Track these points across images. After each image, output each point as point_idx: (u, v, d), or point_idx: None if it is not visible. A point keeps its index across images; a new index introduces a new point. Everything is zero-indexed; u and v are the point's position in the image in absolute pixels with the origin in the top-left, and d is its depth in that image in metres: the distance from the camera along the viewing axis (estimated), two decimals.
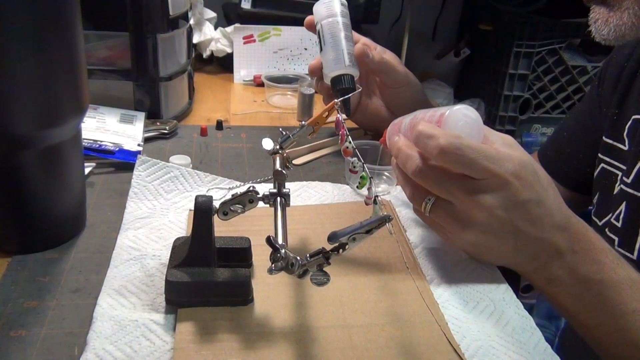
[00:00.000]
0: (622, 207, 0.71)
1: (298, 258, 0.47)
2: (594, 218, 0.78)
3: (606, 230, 0.74)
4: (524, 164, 0.55)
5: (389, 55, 0.85)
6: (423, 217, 0.63)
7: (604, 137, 0.78)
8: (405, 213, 0.71)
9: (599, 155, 0.79)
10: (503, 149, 0.56)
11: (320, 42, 0.84)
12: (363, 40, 0.84)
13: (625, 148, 0.74)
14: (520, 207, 0.55)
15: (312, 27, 0.87)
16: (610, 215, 0.73)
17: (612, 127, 0.77)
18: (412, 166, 0.58)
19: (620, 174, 0.74)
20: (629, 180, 0.71)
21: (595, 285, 0.56)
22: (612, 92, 0.79)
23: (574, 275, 0.56)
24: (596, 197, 0.79)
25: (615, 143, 0.76)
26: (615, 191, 0.73)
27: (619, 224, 0.71)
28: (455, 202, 0.56)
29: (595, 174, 0.79)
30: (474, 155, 0.53)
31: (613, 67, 0.81)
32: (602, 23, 0.65)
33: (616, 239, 0.72)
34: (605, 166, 0.77)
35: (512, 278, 0.61)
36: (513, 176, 0.54)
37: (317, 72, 0.86)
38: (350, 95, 0.76)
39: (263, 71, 1.20)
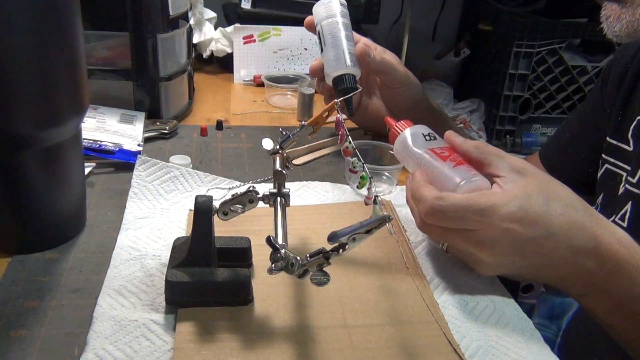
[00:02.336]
0: (628, 207, 0.71)
1: (298, 258, 0.47)
2: None
3: None
4: (526, 200, 0.54)
5: (389, 56, 0.85)
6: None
7: (607, 138, 0.78)
8: (405, 213, 0.71)
9: (603, 155, 0.78)
10: (508, 183, 0.55)
11: (320, 42, 0.84)
12: (363, 40, 0.84)
13: (630, 149, 0.74)
14: (528, 244, 0.54)
15: (311, 28, 0.87)
16: (614, 215, 0.73)
17: (617, 128, 0.77)
18: (416, 221, 0.60)
19: (624, 174, 0.73)
20: (634, 180, 0.71)
21: (629, 302, 0.55)
22: (616, 93, 0.79)
23: (606, 292, 0.56)
24: (600, 197, 0.78)
25: (619, 144, 0.76)
26: (620, 191, 0.73)
27: (624, 224, 0.71)
28: (461, 248, 0.58)
29: (599, 174, 0.79)
30: (461, 213, 0.53)
31: (617, 67, 0.80)
32: (614, 19, 0.65)
33: None
34: (609, 167, 0.77)
35: (512, 279, 0.61)
36: (510, 221, 0.53)
37: (318, 73, 0.86)
38: (352, 94, 0.76)
39: (263, 71, 1.20)
